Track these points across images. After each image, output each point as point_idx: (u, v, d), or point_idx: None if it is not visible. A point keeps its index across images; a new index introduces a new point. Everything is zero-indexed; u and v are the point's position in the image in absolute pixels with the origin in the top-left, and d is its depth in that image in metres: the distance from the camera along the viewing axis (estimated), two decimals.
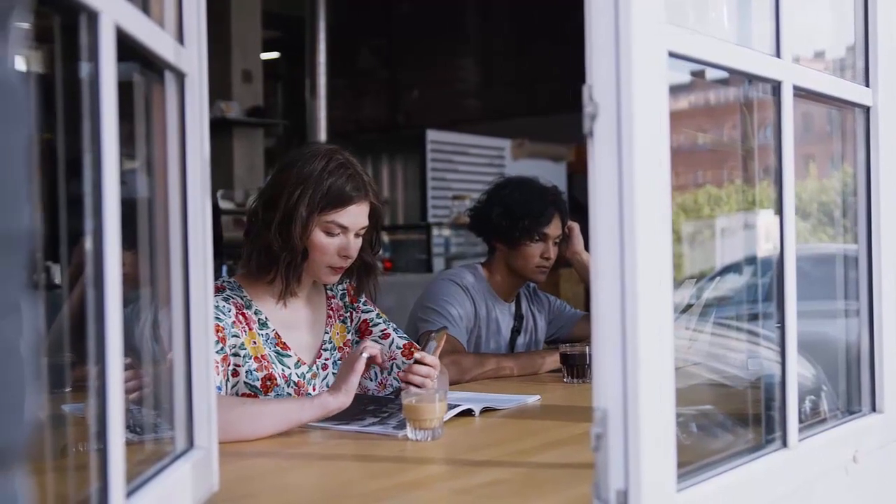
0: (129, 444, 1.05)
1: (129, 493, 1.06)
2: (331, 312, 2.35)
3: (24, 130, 0.58)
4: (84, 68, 0.97)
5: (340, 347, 2.34)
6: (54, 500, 1.04)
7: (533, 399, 2.34)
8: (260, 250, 2.18)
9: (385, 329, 2.37)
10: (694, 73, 1.43)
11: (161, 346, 1.39)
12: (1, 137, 0.55)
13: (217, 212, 4.38)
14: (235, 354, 2.12)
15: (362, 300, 2.40)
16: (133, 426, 1.31)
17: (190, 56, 1.34)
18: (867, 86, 1.77)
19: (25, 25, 0.62)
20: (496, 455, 1.78)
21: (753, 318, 1.91)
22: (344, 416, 2.02)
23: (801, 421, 1.52)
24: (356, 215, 2.18)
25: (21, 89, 0.58)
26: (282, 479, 1.66)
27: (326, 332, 2.32)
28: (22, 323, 0.55)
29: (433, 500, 1.51)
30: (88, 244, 0.96)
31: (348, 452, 1.79)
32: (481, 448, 1.85)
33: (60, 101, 1.04)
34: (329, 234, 2.16)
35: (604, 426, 1.15)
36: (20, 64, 0.59)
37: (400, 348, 2.33)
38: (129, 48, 1.08)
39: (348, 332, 2.37)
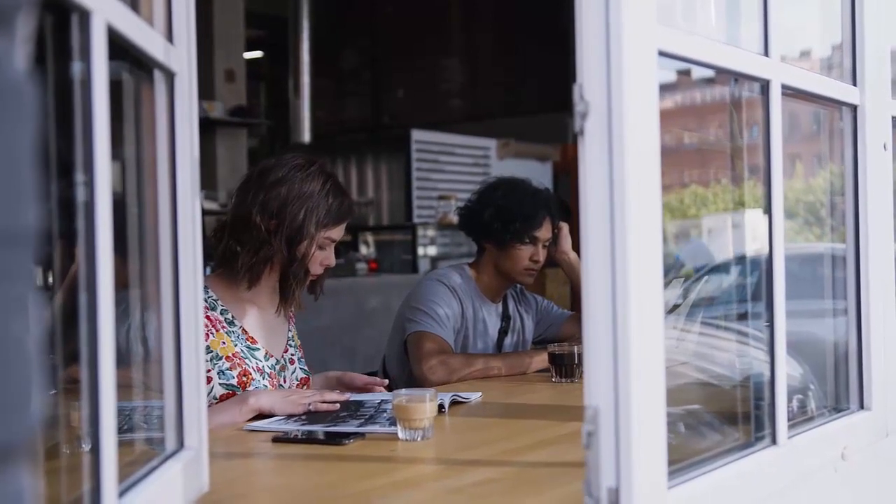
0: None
1: (121, 494, 1.06)
2: (291, 314, 2.43)
3: (30, 131, 0.58)
4: (76, 67, 0.96)
5: (299, 347, 2.44)
6: (45, 501, 1.03)
7: (475, 396, 2.34)
8: (263, 261, 2.23)
9: (299, 355, 2.46)
10: (680, 72, 1.43)
11: (148, 348, 1.39)
12: (9, 138, 0.55)
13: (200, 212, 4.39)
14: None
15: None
16: (120, 425, 1.30)
17: (179, 55, 1.33)
18: (854, 84, 1.78)
19: (31, 24, 0.62)
20: (487, 454, 1.78)
21: (741, 317, 1.92)
22: (332, 420, 2.02)
23: (789, 419, 1.53)
24: (343, 230, 2.31)
25: (27, 89, 0.58)
26: (272, 480, 1.66)
27: (290, 330, 2.42)
28: (29, 320, 0.55)
29: (426, 500, 1.51)
30: (80, 246, 0.96)
31: (338, 452, 1.78)
32: (471, 447, 1.85)
33: (50, 100, 1.03)
34: (322, 248, 2.27)
35: (595, 424, 1.16)
36: (26, 63, 0.59)
37: (297, 380, 2.39)
38: (117, 46, 1.08)
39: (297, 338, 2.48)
